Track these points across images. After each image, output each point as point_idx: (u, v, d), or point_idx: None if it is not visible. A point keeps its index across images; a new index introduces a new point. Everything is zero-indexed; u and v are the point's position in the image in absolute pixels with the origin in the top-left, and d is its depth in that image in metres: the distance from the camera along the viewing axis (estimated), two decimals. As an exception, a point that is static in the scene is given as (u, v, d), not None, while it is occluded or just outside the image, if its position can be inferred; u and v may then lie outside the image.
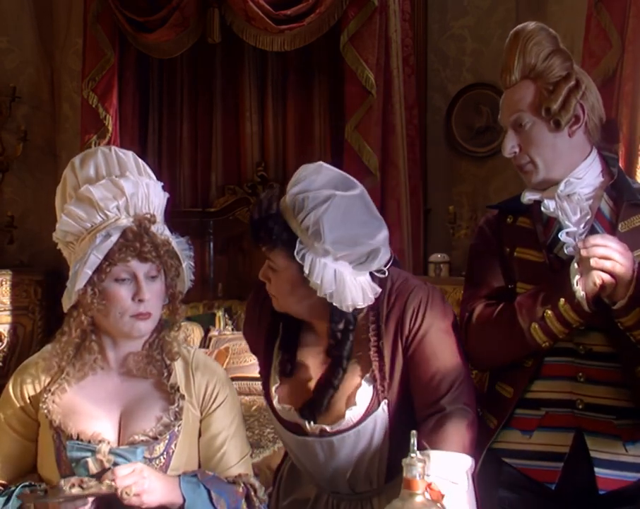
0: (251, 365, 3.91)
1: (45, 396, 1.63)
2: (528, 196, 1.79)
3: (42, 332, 4.68)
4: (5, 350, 4.62)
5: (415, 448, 1.39)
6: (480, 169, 4.62)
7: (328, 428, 1.68)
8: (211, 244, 4.87)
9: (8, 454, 1.66)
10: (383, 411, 1.69)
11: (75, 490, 1.44)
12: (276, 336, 1.78)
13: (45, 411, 1.61)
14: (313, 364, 1.75)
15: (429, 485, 1.41)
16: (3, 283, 4.63)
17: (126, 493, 1.45)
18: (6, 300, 4.65)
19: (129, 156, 1.68)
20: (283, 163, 4.82)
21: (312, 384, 1.72)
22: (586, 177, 1.76)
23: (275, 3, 4.23)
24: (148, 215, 1.62)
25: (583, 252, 1.57)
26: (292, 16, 4.22)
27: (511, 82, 1.77)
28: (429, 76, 4.62)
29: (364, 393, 1.68)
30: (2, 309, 4.64)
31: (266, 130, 4.81)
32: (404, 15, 4.28)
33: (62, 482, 1.46)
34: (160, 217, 1.67)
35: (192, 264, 1.72)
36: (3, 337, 4.62)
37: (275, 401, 1.74)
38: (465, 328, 1.79)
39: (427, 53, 4.59)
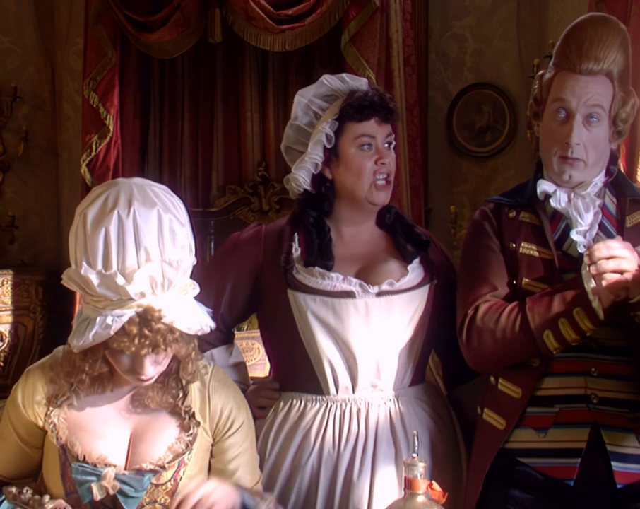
0: (253, 364, 3.91)
1: (51, 409, 1.57)
2: (545, 188, 1.78)
3: (43, 332, 4.67)
4: (6, 350, 4.61)
5: (417, 448, 1.39)
6: (481, 169, 4.62)
7: (395, 282, 1.90)
8: (212, 244, 4.86)
9: (11, 457, 1.65)
10: (431, 286, 1.95)
11: None
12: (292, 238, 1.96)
13: (51, 426, 1.57)
14: (359, 245, 1.97)
15: (430, 485, 1.41)
16: (4, 283, 4.62)
17: None
18: (7, 300, 4.63)
19: (152, 220, 1.44)
20: (284, 163, 4.79)
21: (362, 257, 1.94)
22: (598, 179, 1.78)
23: (276, 3, 4.22)
24: (154, 312, 1.44)
25: (593, 270, 1.56)
26: (293, 16, 4.21)
27: (591, 70, 1.68)
28: (430, 76, 4.61)
29: (418, 266, 1.96)
30: (3, 309, 4.63)
31: (267, 130, 4.81)
32: (405, 15, 4.27)
33: (46, 499, 1.44)
34: (178, 287, 1.49)
35: (211, 324, 1.55)
36: (4, 337, 4.61)
37: (320, 277, 1.88)
38: (468, 327, 1.76)
39: (428, 53, 4.59)
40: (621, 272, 1.54)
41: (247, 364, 3.92)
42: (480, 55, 4.59)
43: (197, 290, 1.55)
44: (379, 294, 1.88)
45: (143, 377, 1.52)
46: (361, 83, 2.00)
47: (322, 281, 1.87)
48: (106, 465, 1.54)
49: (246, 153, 4.86)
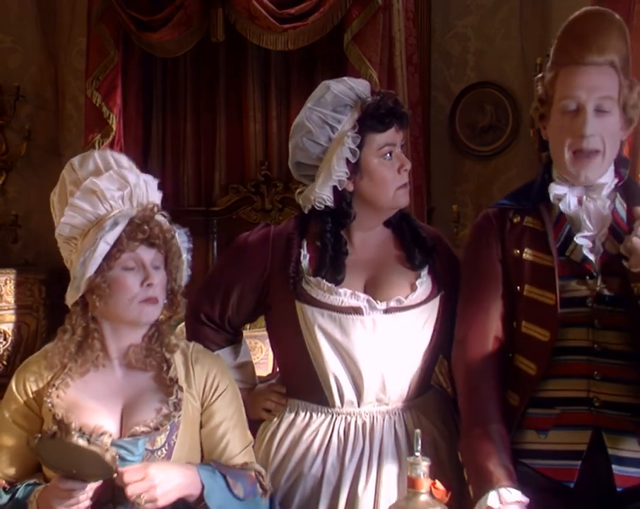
0: (256, 363, 3.89)
1: (50, 391, 1.66)
2: (557, 193, 1.77)
3: (45, 331, 4.67)
4: (9, 349, 4.62)
5: (419, 448, 1.39)
6: (484, 168, 4.61)
7: (403, 299, 1.87)
8: (215, 244, 4.86)
9: (15, 451, 1.69)
10: (440, 299, 1.92)
11: (82, 442, 1.49)
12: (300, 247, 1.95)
13: (49, 404, 1.64)
14: (369, 249, 1.95)
15: (433, 483, 1.41)
16: (7, 282, 4.63)
17: (138, 502, 1.49)
18: (10, 299, 4.64)
19: (123, 157, 1.75)
20: (287, 162, 4.80)
21: (371, 263, 1.93)
22: (610, 179, 1.77)
23: (278, 2, 4.22)
24: (151, 205, 1.68)
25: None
26: (296, 15, 4.21)
27: (595, 61, 1.69)
28: (432, 75, 4.60)
29: (426, 279, 1.92)
30: (6, 308, 4.64)
31: (270, 129, 4.80)
32: (407, 14, 4.27)
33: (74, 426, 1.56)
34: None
35: (190, 258, 1.77)
36: (7, 336, 4.62)
37: (328, 292, 1.86)
38: (455, 348, 1.83)
39: (430, 52, 4.58)
40: None
41: (253, 362, 3.94)
42: (482, 54, 4.59)
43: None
44: (387, 311, 1.87)
45: (151, 294, 1.65)
46: (364, 86, 1.98)
47: (330, 295, 1.87)
48: (102, 434, 1.60)
49: (249, 152, 4.86)
